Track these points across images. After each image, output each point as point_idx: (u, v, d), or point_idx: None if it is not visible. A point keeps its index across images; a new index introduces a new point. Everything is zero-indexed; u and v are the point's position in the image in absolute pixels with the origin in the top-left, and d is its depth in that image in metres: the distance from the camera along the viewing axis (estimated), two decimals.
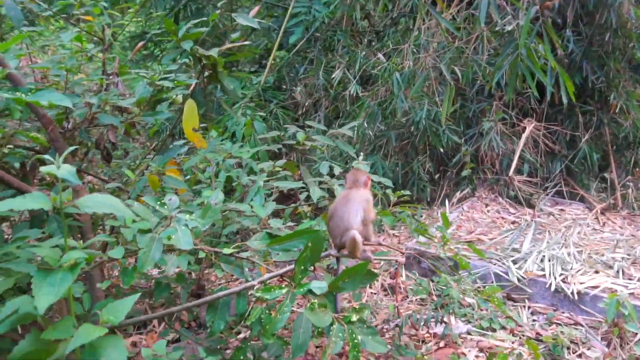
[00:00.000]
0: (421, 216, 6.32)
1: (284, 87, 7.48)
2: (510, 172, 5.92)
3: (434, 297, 4.29)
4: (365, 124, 6.48)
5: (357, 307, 2.37)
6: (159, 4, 7.14)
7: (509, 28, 4.21)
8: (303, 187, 3.55)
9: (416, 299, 4.29)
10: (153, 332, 3.64)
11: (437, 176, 6.81)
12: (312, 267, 2.39)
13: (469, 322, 4.02)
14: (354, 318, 2.33)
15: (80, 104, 2.93)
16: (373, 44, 7.47)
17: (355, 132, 6.68)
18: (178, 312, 2.94)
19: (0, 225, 2.78)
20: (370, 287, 4.50)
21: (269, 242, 2.43)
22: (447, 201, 6.29)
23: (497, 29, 4.61)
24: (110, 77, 3.23)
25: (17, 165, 2.91)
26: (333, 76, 6.95)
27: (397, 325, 3.60)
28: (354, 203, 2.53)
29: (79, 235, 2.86)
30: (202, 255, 2.43)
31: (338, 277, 2.32)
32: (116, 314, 1.66)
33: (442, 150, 6.50)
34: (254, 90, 6.92)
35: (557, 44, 4.80)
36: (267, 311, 2.24)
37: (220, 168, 4.19)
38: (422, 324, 3.75)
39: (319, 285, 2.36)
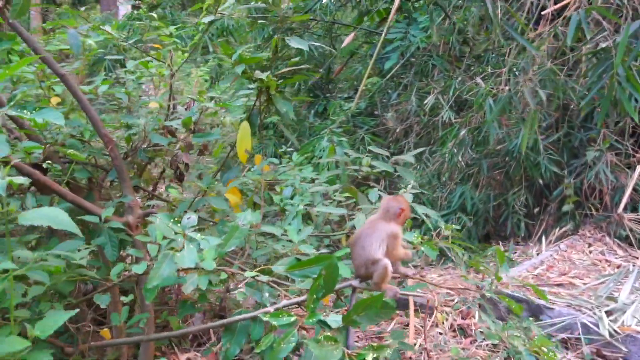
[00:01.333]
0: (514, 252, 5.78)
1: (376, 113, 7.38)
2: (620, 209, 5.19)
3: (508, 345, 3.84)
4: (455, 151, 6.13)
5: (375, 345, 2.16)
6: (258, 34, 7.48)
7: (603, 45, 3.73)
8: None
9: (487, 344, 3.86)
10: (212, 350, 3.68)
11: (536, 210, 6.20)
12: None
13: None
14: (369, 357, 2.12)
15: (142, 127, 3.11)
16: (472, 68, 7.11)
17: (447, 160, 6.36)
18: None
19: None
20: (437, 326, 4.16)
21: (287, 267, 2.32)
22: (543, 238, 5.68)
23: (588, 46, 4.11)
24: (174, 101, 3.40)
25: (84, 181, 3.15)
26: (426, 102, 6.71)
27: None
28: (379, 233, 2.35)
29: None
30: (224, 276, 2.39)
31: (352, 309, 2.14)
32: (44, 329, 1.69)
33: (541, 181, 5.93)
34: (343, 116, 6.90)
35: None
36: (277, 340, 2.13)
37: (296, 192, 4.20)
38: None
39: (334, 318, 2.21)
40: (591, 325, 3.68)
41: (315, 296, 2.15)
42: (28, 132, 2.95)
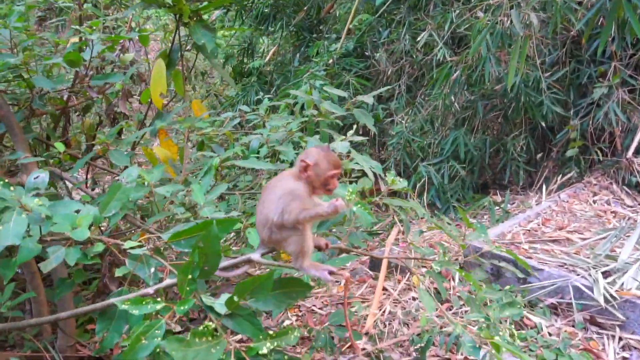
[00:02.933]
0: (512, 203, 5.18)
1: (366, 53, 6.66)
2: (630, 153, 4.50)
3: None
4: (448, 92, 5.44)
5: (273, 332, 1.66)
6: None
7: None
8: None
9: (465, 311, 3.36)
10: None
11: (538, 156, 5.54)
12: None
13: (530, 350, 3.01)
14: (265, 349, 1.63)
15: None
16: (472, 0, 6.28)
17: (441, 102, 5.68)
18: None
19: None
20: (412, 290, 3.66)
21: (170, 237, 1.81)
22: (544, 187, 5.05)
23: None
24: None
25: None
26: (419, 39, 5.95)
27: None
28: (276, 191, 1.80)
29: None
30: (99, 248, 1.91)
31: (233, 292, 1.63)
32: None
33: (543, 124, 5.24)
34: (329, 58, 6.22)
35: None
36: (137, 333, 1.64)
37: (263, 142, 3.66)
38: (451, 347, 2.88)
39: (214, 302, 1.70)
40: (585, 289, 3.14)
41: (189, 276, 1.64)
42: None
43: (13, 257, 1.89)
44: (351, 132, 2.66)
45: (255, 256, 1.89)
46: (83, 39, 2.70)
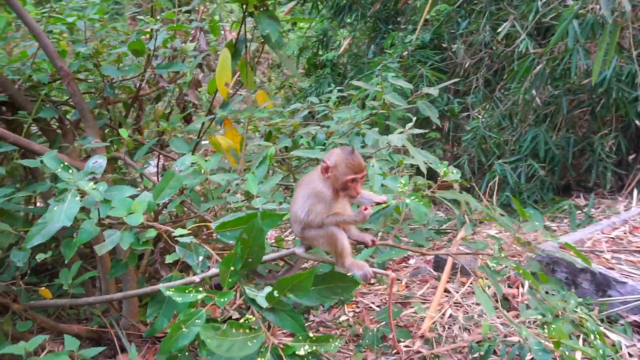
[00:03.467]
0: (596, 207, 4.78)
1: (444, 45, 6.40)
2: None
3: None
4: (529, 86, 5.09)
5: (314, 335, 1.60)
6: None
7: None
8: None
9: (534, 321, 3.12)
10: None
11: (630, 158, 5.06)
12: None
13: None
14: (302, 351, 1.58)
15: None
16: None
17: (521, 97, 5.33)
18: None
19: None
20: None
21: (217, 227, 1.81)
22: (635, 191, 4.61)
23: None
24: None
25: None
26: (500, 29, 5.62)
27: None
28: (305, 190, 1.76)
29: None
30: (151, 233, 1.94)
31: (273, 287, 1.59)
32: None
33: (638, 123, 4.77)
34: (404, 50, 6.04)
35: None
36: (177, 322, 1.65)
37: (330, 135, 3.63)
38: (514, 358, 2.68)
39: (257, 294, 1.67)
40: None
41: (231, 268, 1.63)
42: None
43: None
44: (410, 124, 2.53)
45: (300, 250, 1.84)
46: (150, 29, 2.79)
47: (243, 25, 2.77)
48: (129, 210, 1.95)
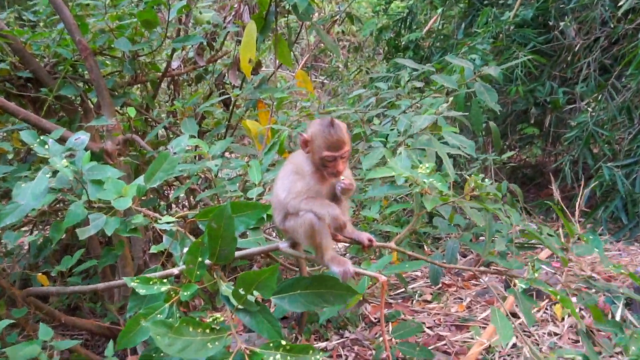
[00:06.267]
0: None
1: (551, 23, 6.01)
2: None
3: None
4: None
5: (289, 345, 1.56)
6: None
7: None
8: None
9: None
10: None
11: None
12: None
13: None
14: None
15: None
16: None
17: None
18: None
19: None
20: (554, 323, 3.20)
21: (197, 215, 1.82)
22: None
23: None
24: None
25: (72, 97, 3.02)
26: (621, 3, 5.18)
27: None
28: (287, 167, 1.73)
29: None
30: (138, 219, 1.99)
31: (239, 281, 1.56)
32: None
33: None
34: (497, 29, 5.75)
35: None
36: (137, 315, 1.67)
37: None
38: None
39: (227, 290, 1.66)
40: None
41: (199, 259, 1.63)
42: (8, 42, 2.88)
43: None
44: (445, 105, 2.38)
45: (283, 245, 1.81)
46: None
47: None
48: (119, 193, 2.03)
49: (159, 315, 1.61)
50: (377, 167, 2.04)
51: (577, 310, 3.04)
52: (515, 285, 1.77)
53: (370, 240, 1.83)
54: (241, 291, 1.56)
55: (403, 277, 3.54)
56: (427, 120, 2.22)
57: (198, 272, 1.64)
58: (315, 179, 1.72)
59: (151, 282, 1.65)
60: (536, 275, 1.76)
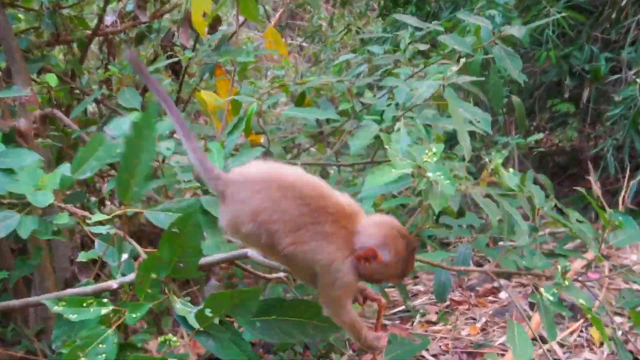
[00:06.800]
0: None
1: None
2: None
3: None
4: None
5: None
6: None
7: None
8: None
9: None
10: None
11: None
12: None
13: None
14: None
15: None
16: None
17: None
18: None
19: None
20: (590, 348, 3.31)
21: (148, 209, 1.87)
22: None
23: None
24: None
25: None
26: None
27: None
28: (317, 241, 1.75)
29: None
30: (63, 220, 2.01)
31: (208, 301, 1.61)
32: None
33: None
34: None
35: None
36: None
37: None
38: None
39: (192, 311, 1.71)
40: None
41: (152, 275, 1.67)
42: None
43: None
44: (454, 67, 2.45)
45: (253, 253, 1.86)
46: None
47: None
48: (36, 185, 2.04)
49: (100, 346, 1.62)
50: (375, 169, 2.08)
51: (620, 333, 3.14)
52: (537, 289, 1.83)
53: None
54: (208, 312, 1.61)
55: (405, 289, 3.62)
56: (432, 87, 2.27)
57: (150, 291, 1.67)
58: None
59: (84, 304, 1.66)
60: (566, 282, 1.82)
